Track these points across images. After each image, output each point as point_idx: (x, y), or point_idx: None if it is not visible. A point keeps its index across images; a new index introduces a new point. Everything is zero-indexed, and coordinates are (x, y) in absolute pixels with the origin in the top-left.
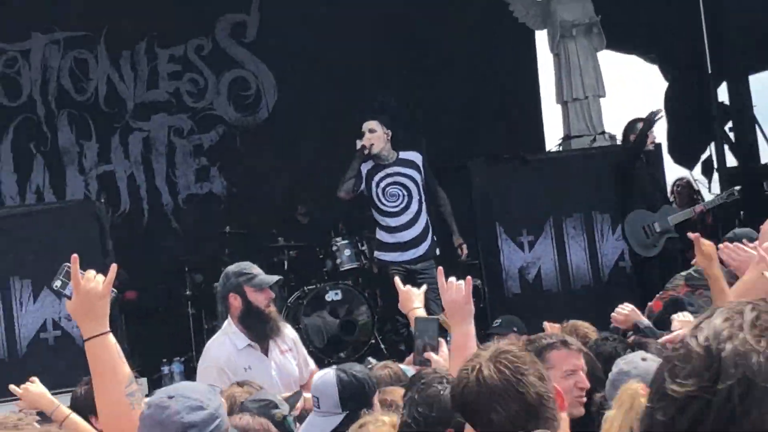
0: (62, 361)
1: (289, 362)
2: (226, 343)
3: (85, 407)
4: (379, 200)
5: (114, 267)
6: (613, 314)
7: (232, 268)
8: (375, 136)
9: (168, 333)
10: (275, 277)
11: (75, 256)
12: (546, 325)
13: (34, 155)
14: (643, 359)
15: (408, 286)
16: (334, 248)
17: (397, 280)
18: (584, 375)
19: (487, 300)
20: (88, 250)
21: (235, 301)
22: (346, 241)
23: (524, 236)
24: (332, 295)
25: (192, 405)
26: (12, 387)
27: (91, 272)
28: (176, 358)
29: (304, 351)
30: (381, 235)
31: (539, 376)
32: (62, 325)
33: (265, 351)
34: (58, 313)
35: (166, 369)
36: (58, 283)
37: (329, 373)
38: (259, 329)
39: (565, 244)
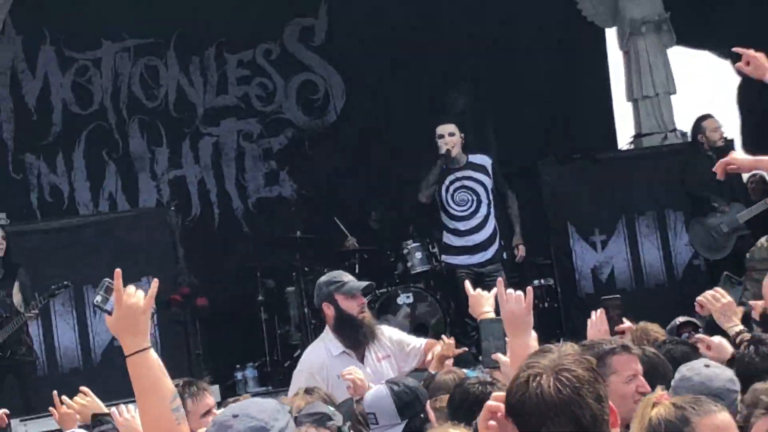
0: None
1: (385, 369)
2: (321, 350)
3: None
4: (449, 204)
5: (156, 282)
6: (700, 299)
7: (323, 278)
8: (454, 139)
9: (241, 339)
10: (364, 283)
11: (118, 270)
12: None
13: (106, 162)
14: (706, 366)
15: (478, 290)
16: (405, 251)
17: (467, 284)
18: (644, 379)
19: (560, 300)
20: (160, 257)
21: (329, 310)
22: (416, 244)
23: (596, 236)
24: (404, 299)
25: (254, 426)
26: (66, 400)
27: (132, 287)
28: (249, 364)
29: (411, 342)
30: (448, 239)
31: (597, 397)
32: None
33: (361, 358)
34: None
35: (239, 375)
36: (98, 299)
37: (379, 389)
38: (352, 336)
39: (638, 242)
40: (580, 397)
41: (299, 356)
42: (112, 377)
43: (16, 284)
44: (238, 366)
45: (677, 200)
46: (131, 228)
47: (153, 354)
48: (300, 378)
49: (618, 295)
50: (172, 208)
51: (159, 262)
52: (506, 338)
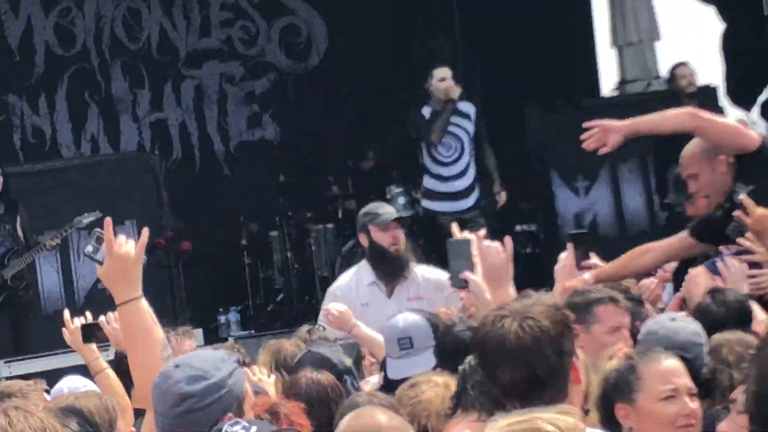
0: None
1: None
2: (353, 277)
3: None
4: (436, 148)
5: (146, 231)
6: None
7: (363, 209)
8: (453, 83)
9: (224, 282)
10: (395, 214)
11: (108, 219)
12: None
13: (88, 104)
14: (672, 319)
15: (465, 232)
16: (388, 196)
17: (455, 226)
18: (628, 333)
19: (542, 246)
20: (144, 202)
21: (364, 241)
22: (400, 189)
23: (579, 181)
24: None
25: (193, 375)
26: (66, 316)
27: (122, 237)
28: (232, 308)
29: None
30: (431, 184)
31: (559, 351)
32: None
33: (390, 293)
34: None
35: (222, 318)
36: (89, 248)
37: (409, 316)
38: (382, 268)
39: (620, 189)
40: (538, 347)
41: (282, 300)
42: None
43: (18, 219)
44: (221, 309)
45: (666, 147)
46: (115, 171)
47: (144, 303)
48: (327, 298)
49: (585, 230)
50: (156, 152)
51: (142, 205)
52: (474, 259)
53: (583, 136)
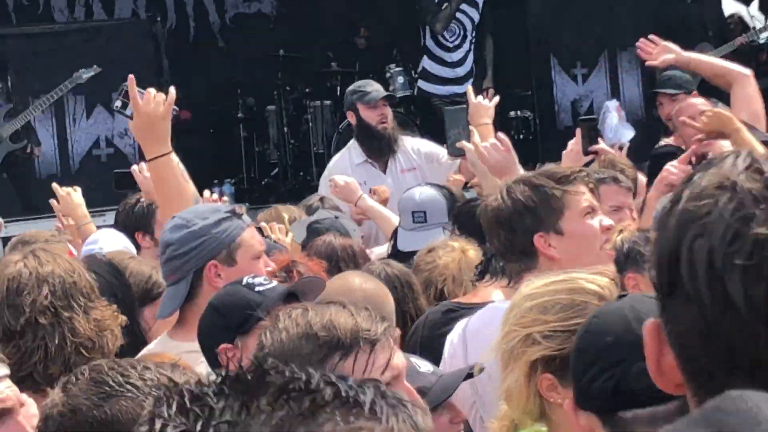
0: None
1: (407, 182)
2: (345, 158)
3: (131, 223)
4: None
5: (173, 89)
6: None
7: (351, 86)
8: None
9: (218, 154)
10: (384, 92)
11: (131, 76)
12: None
13: None
14: None
15: (479, 98)
16: (388, 75)
17: (469, 89)
18: (630, 213)
19: (538, 132)
20: (143, 68)
21: (352, 119)
22: (399, 69)
23: (578, 69)
24: None
25: (176, 224)
26: (55, 186)
27: (151, 91)
28: (227, 180)
29: (445, 153)
30: (431, 66)
31: (510, 228)
32: (115, 143)
33: (383, 168)
34: (111, 130)
35: (216, 190)
36: (118, 104)
37: (424, 189)
38: (371, 146)
39: (618, 78)
40: (489, 227)
41: (276, 174)
42: (88, 186)
43: (9, 80)
44: (215, 181)
45: (661, 36)
46: (114, 37)
47: (174, 159)
48: (323, 183)
49: (595, 116)
50: (159, 19)
51: (143, 73)
52: (470, 126)
53: (641, 42)
